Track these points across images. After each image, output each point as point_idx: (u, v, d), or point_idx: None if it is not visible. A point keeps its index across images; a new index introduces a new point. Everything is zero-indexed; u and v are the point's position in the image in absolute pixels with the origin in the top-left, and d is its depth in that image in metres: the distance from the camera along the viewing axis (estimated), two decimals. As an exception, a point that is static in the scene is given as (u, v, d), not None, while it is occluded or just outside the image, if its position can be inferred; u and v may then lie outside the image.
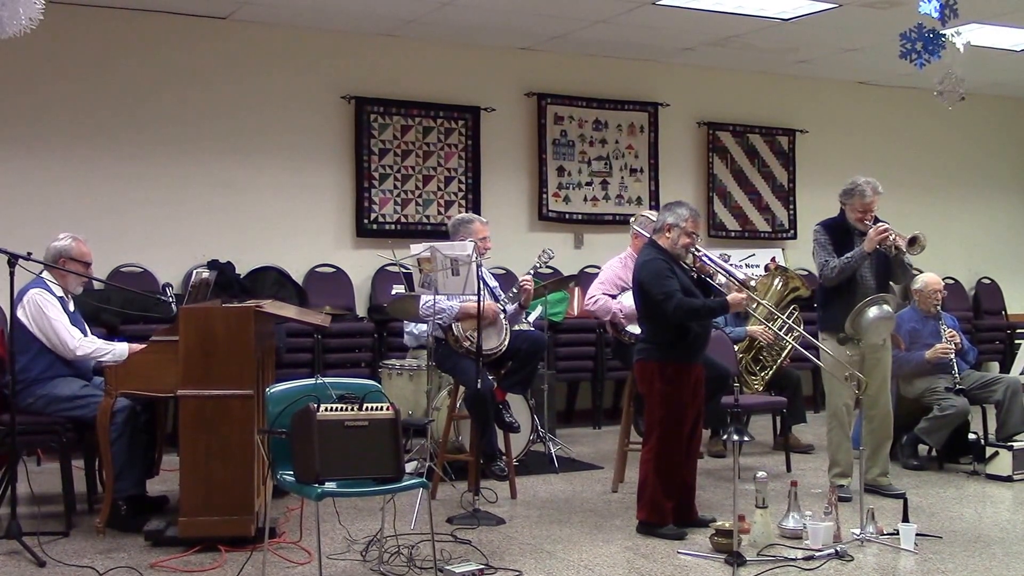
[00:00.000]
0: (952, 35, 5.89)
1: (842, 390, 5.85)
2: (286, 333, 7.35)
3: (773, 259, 9.77)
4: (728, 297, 5.19)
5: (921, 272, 7.15)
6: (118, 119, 7.79)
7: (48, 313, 5.27)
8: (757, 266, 9.67)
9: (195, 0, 7.65)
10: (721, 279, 5.37)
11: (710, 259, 5.35)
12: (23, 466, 5.15)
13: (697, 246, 5.31)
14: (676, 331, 5.15)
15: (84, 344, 5.35)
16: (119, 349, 5.38)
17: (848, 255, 5.79)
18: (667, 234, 5.25)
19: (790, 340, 6.74)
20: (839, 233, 5.92)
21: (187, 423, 4.81)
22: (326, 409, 4.14)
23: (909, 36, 5.95)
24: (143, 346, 5.30)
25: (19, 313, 5.23)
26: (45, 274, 5.42)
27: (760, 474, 5.15)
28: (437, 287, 5.54)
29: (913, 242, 5.75)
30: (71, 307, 5.53)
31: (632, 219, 6.69)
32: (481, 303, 5.48)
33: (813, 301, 9.28)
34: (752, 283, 5.33)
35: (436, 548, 4.49)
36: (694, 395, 5.23)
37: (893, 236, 5.76)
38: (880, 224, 5.77)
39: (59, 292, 5.43)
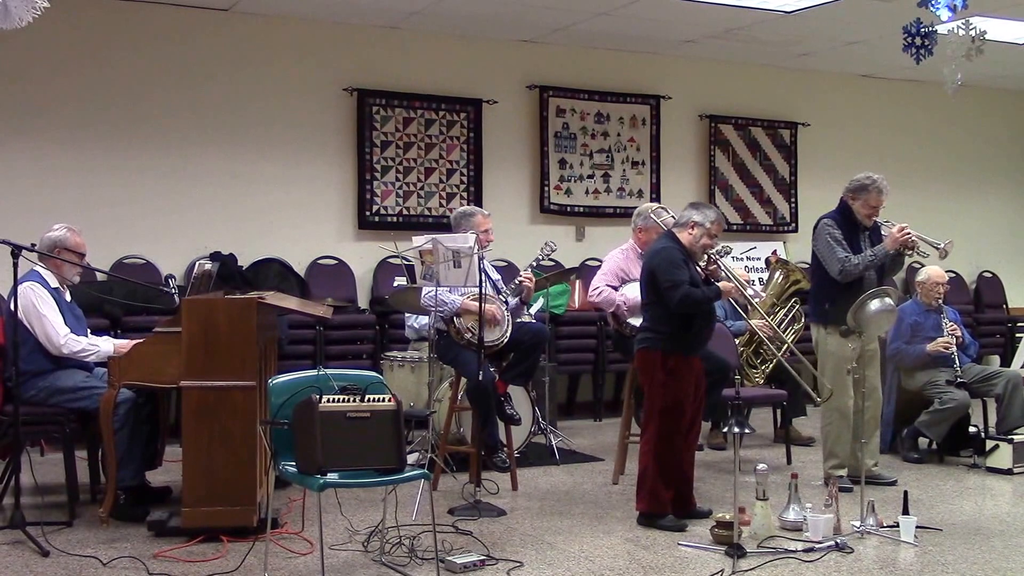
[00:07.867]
0: (957, 28, 5.88)
1: (848, 385, 5.87)
2: (288, 325, 7.36)
3: (774, 252, 9.78)
4: (719, 285, 5.28)
5: (923, 265, 7.18)
6: (120, 111, 7.80)
7: (39, 308, 5.24)
8: (759, 259, 9.70)
9: (197, -8, 7.67)
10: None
11: (724, 266, 5.40)
12: (26, 456, 5.17)
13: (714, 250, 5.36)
14: (679, 322, 5.16)
15: (70, 343, 5.28)
16: (104, 348, 5.35)
17: (872, 252, 5.85)
18: (690, 231, 5.26)
19: (788, 340, 6.77)
20: (848, 228, 5.96)
21: (190, 414, 4.83)
22: (328, 400, 4.15)
23: (909, 30, 5.97)
24: (130, 343, 5.30)
25: (14, 306, 5.23)
26: (39, 265, 5.38)
27: (760, 466, 5.17)
28: (439, 279, 5.56)
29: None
30: (67, 297, 5.51)
31: (647, 211, 6.36)
32: (482, 296, 5.49)
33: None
34: (756, 301, 5.39)
35: (437, 539, 4.52)
36: (695, 387, 5.26)
37: (913, 236, 5.85)
38: (901, 225, 5.86)
39: (54, 283, 5.40)
